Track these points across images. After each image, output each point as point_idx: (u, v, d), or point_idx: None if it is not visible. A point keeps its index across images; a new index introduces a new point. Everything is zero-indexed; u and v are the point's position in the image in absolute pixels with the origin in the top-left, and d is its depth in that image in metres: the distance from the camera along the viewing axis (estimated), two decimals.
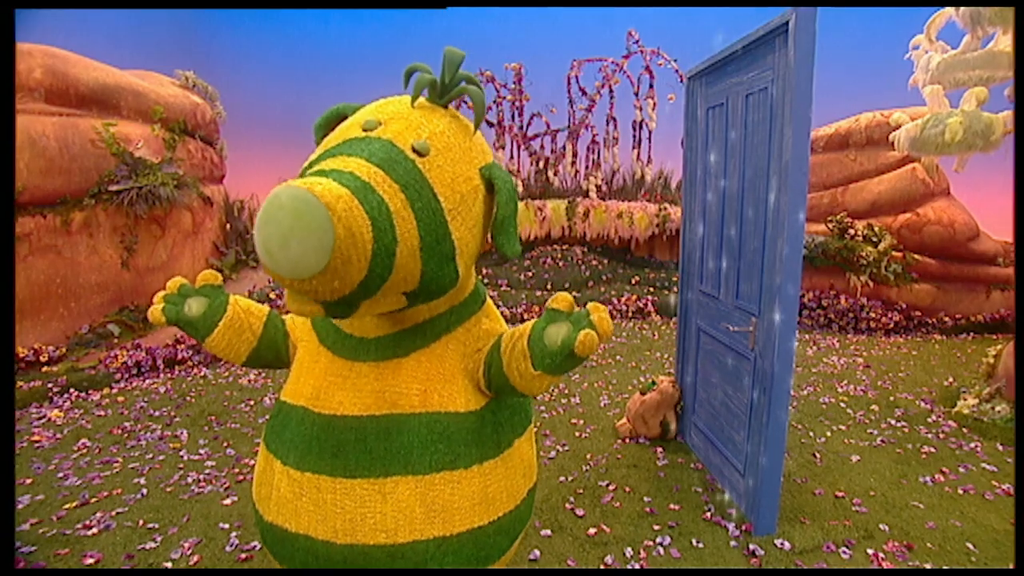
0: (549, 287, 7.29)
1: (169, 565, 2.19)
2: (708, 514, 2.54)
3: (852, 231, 6.48)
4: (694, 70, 3.02)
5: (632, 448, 3.23)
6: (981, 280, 6.41)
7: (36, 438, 3.37)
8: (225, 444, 3.32)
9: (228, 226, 6.35)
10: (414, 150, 1.15)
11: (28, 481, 2.85)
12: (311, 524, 1.26)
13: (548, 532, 2.39)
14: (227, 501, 2.66)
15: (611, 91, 7.96)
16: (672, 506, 2.61)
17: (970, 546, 2.30)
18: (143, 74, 5.88)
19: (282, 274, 0.96)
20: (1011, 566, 2.17)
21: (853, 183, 6.76)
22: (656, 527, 2.44)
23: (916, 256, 6.30)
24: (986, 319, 6.34)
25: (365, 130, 1.18)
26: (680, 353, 3.37)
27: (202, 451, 3.23)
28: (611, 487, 2.79)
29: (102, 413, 3.82)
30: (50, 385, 4.12)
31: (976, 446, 3.26)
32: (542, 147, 8.16)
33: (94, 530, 2.41)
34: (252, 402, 4.04)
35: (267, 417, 3.55)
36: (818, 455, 3.14)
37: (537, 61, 8.12)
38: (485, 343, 1.41)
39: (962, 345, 5.78)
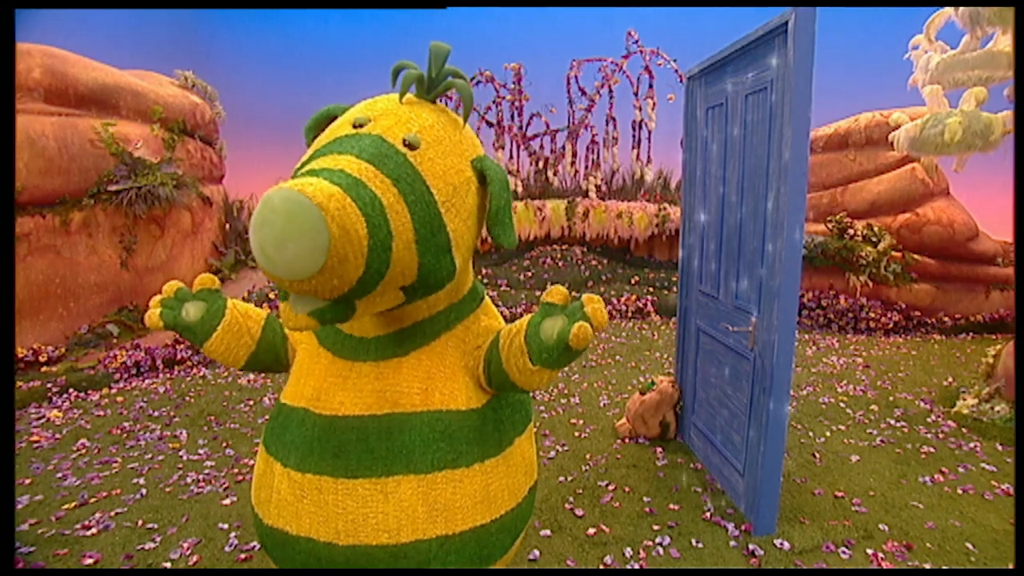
0: (549, 287, 7.28)
1: (168, 565, 2.19)
2: (708, 514, 2.54)
3: (851, 231, 6.48)
4: (694, 70, 3.02)
5: (632, 448, 3.23)
6: (980, 280, 6.41)
7: (35, 438, 3.37)
8: (224, 444, 3.32)
9: (227, 226, 6.35)
10: (405, 143, 1.16)
11: (27, 481, 2.85)
12: (313, 526, 1.26)
13: (548, 532, 2.39)
14: (226, 501, 2.66)
15: (611, 91, 7.97)
16: (672, 506, 2.61)
17: (969, 546, 2.30)
18: (142, 74, 5.87)
19: (280, 276, 0.96)
20: (1011, 566, 2.17)
21: (852, 183, 6.76)
22: (656, 527, 2.44)
23: (915, 256, 6.30)
24: (985, 319, 6.34)
25: (355, 127, 1.18)
26: (679, 353, 3.37)
27: (201, 451, 3.22)
28: (611, 487, 2.78)
29: (101, 413, 3.81)
30: (49, 385, 4.11)
31: (975, 446, 3.26)
32: (541, 147, 8.16)
33: (93, 530, 2.41)
34: (251, 402, 4.03)
35: (266, 417, 3.55)
36: (817, 455, 3.14)
37: (537, 61, 8.13)
38: (484, 340, 1.41)
39: (961, 345, 5.78)
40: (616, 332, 6.21)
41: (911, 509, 2.58)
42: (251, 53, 10.44)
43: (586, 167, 8.15)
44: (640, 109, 8.10)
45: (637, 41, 7.96)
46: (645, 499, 2.67)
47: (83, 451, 3.22)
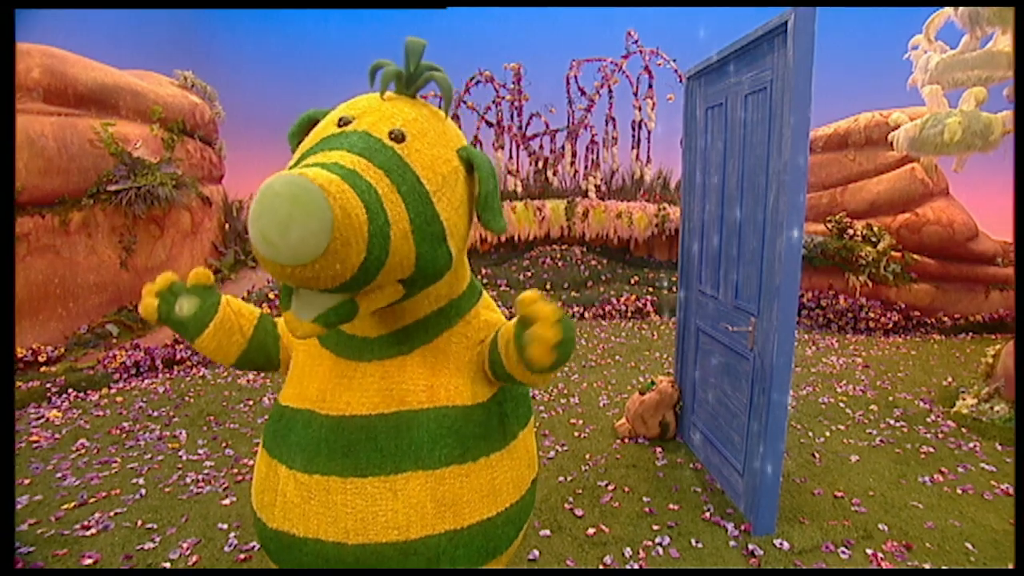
0: (548, 287, 7.29)
1: (168, 565, 2.19)
2: (707, 514, 2.54)
3: (851, 231, 6.48)
4: (693, 70, 3.02)
5: (631, 448, 3.23)
6: (980, 280, 6.41)
7: (34, 438, 3.37)
8: (224, 444, 3.32)
9: (227, 226, 6.34)
10: (391, 137, 1.17)
11: (26, 481, 2.84)
12: (321, 527, 1.26)
13: (547, 532, 2.39)
14: (226, 501, 2.65)
15: (610, 91, 7.97)
16: (671, 506, 2.61)
17: (969, 546, 2.30)
18: (142, 74, 5.87)
19: (283, 262, 0.96)
20: (1010, 566, 2.17)
21: (852, 183, 6.76)
22: (655, 527, 2.44)
23: (915, 256, 6.30)
24: (985, 319, 6.34)
25: (340, 126, 1.20)
26: (679, 353, 3.37)
27: (201, 451, 3.22)
28: (610, 487, 2.78)
29: (101, 413, 3.81)
30: (48, 385, 4.11)
31: (975, 446, 3.26)
32: (541, 147, 8.16)
33: (92, 530, 2.41)
34: (251, 402, 4.03)
35: (266, 417, 3.55)
36: (817, 455, 3.14)
37: (536, 61, 8.13)
38: (487, 334, 1.42)
39: (961, 345, 5.78)
40: (616, 332, 6.21)
41: (911, 509, 2.58)
42: (251, 53, 10.44)
43: (586, 167, 8.15)
44: (640, 109, 8.10)
45: (637, 41, 7.96)
46: (645, 499, 2.67)
47: (82, 451, 3.22)
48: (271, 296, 5.80)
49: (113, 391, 4.28)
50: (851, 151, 6.81)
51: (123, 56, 5.87)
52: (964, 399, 3.80)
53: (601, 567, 2.18)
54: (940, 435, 3.43)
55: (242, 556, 2.24)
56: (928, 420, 3.67)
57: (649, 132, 8.14)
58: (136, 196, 4.89)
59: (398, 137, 1.18)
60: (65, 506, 2.60)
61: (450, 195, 1.22)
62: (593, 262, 7.59)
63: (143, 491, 2.75)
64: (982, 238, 6.44)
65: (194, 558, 2.23)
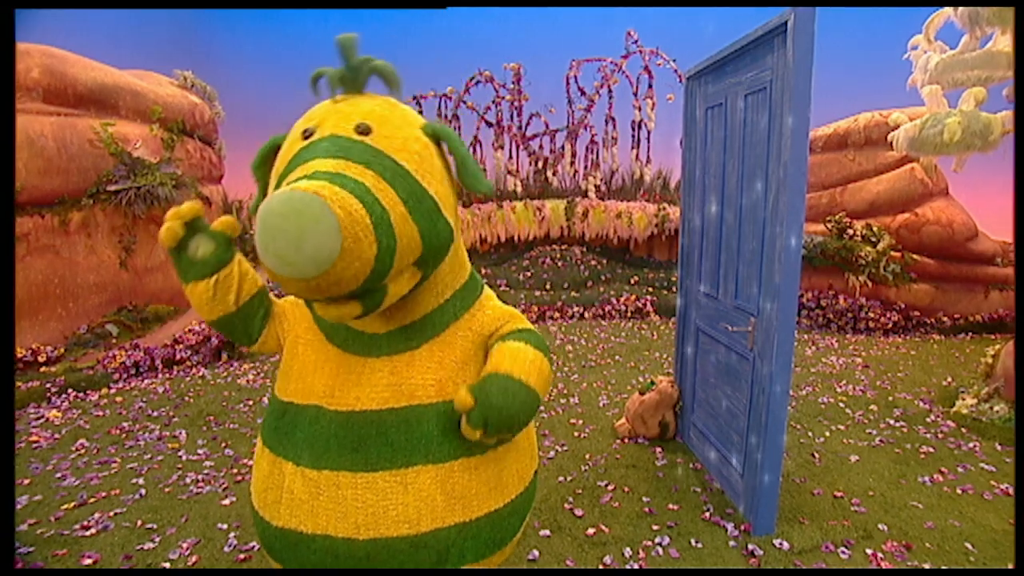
0: (548, 287, 7.29)
1: (167, 565, 2.19)
2: (707, 514, 2.54)
3: (851, 231, 6.49)
4: (693, 70, 3.02)
5: (631, 448, 3.23)
6: (980, 280, 6.41)
7: (34, 438, 3.37)
8: (223, 444, 3.32)
9: None
10: (358, 132, 1.20)
11: (26, 482, 2.84)
12: (330, 523, 1.26)
13: (547, 532, 2.39)
14: (226, 501, 2.65)
15: (610, 91, 7.97)
16: (671, 506, 2.61)
17: (969, 546, 2.30)
18: (141, 74, 5.87)
19: (307, 275, 0.99)
20: (1010, 566, 2.17)
21: (852, 183, 6.76)
22: (655, 527, 2.44)
23: (915, 256, 6.31)
24: (984, 319, 6.34)
25: (305, 139, 1.21)
26: (679, 353, 3.37)
27: (200, 451, 3.22)
28: (610, 487, 2.78)
29: (100, 413, 3.81)
30: (48, 385, 4.11)
31: (975, 446, 3.26)
32: (541, 147, 8.17)
33: (92, 530, 2.41)
34: (251, 402, 4.03)
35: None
36: (817, 455, 3.14)
37: (536, 61, 8.14)
38: (492, 328, 1.45)
39: (960, 345, 5.78)
40: (616, 332, 6.21)
41: (910, 509, 2.58)
42: (251, 53, 10.45)
43: (585, 167, 8.15)
44: (639, 109, 8.10)
45: (636, 41, 7.96)
46: (644, 499, 2.67)
47: (82, 451, 3.22)
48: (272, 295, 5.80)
49: (113, 391, 4.28)
50: (851, 151, 6.81)
51: (123, 56, 5.88)
52: (964, 399, 3.80)
53: (601, 567, 2.18)
54: (940, 435, 3.43)
55: (242, 556, 2.24)
56: (928, 420, 3.67)
57: (649, 132, 8.15)
58: (136, 196, 4.89)
59: (364, 130, 1.20)
60: (65, 506, 2.60)
61: (430, 169, 1.25)
62: (593, 262, 7.59)
63: (143, 491, 2.75)
64: (982, 238, 6.44)
65: (194, 558, 2.23)
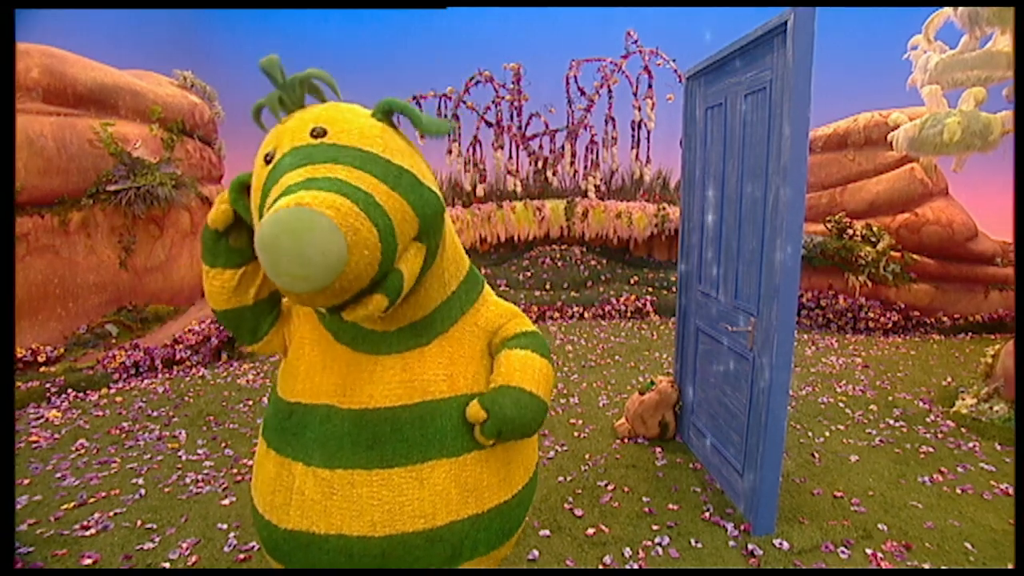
0: (548, 287, 7.29)
1: (167, 565, 2.19)
2: (707, 514, 2.54)
3: (851, 231, 6.49)
4: (693, 70, 3.02)
5: (631, 448, 3.23)
6: (979, 280, 6.41)
7: (34, 438, 3.37)
8: (223, 444, 3.32)
9: None
10: (315, 136, 1.20)
11: (26, 482, 2.84)
12: (345, 522, 1.26)
13: (547, 532, 2.39)
14: (225, 501, 2.65)
15: (610, 91, 7.96)
16: (671, 506, 2.61)
17: (968, 546, 2.30)
18: (141, 74, 5.87)
19: (325, 282, 1.01)
20: (1010, 566, 2.17)
21: (852, 183, 6.76)
22: (655, 527, 2.44)
23: (915, 256, 6.31)
24: (984, 319, 6.34)
25: (267, 163, 1.22)
26: (679, 353, 3.37)
27: (200, 451, 3.22)
28: (610, 487, 2.78)
29: (100, 413, 3.81)
30: (48, 385, 4.11)
31: (974, 446, 3.26)
32: (541, 147, 8.16)
33: (92, 530, 2.41)
34: (250, 402, 4.03)
35: None
36: (817, 455, 3.14)
37: (536, 61, 8.13)
38: (496, 324, 1.50)
39: (960, 345, 5.78)
40: (615, 332, 6.21)
41: (910, 509, 2.58)
42: (251, 53, 10.39)
43: (585, 167, 8.14)
44: (639, 109, 8.10)
45: (636, 41, 7.96)
46: (644, 499, 2.67)
47: (82, 451, 3.22)
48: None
49: (112, 391, 4.28)
50: (850, 151, 6.81)
51: (123, 56, 5.87)
52: (963, 399, 3.80)
53: (601, 567, 2.18)
54: (939, 435, 3.43)
55: (242, 556, 2.24)
56: (928, 420, 3.67)
57: (649, 132, 8.14)
58: (135, 196, 4.89)
59: (320, 133, 1.21)
60: (65, 506, 2.60)
61: (396, 147, 1.26)
62: (593, 262, 7.59)
63: (143, 491, 2.75)
64: (981, 238, 6.44)
65: (194, 558, 2.23)
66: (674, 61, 7.90)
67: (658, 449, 3.20)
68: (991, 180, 6.41)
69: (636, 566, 2.18)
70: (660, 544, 2.31)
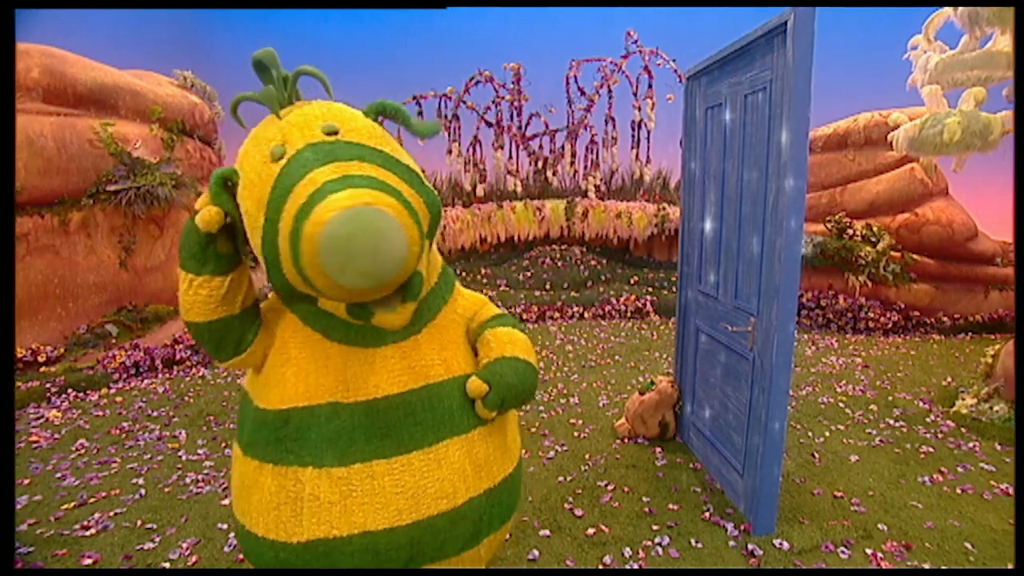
0: (548, 287, 7.29)
1: (167, 565, 2.19)
2: (707, 514, 2.54)
3: (851, 231, 6.49)
4: (693, 70, 3.02)
5: (631, 448, 3.23)
6: (979, 280, 6.41)
7: (34, 438, 3.37)
8: (223, 444, 3.32)
9: None
10: (329, 134, 1.21)
11: (26, 482, 2.84)
12: (368, 517, 1.24)
13: (547, 532, 2.39)
14: (225, 501, 2.65)
15: (610, 91, 7.96)
16: (671, 506, 2.61)
17: (968, 546, 2.30)
18: (141, 74, 5.87)
19: (389, 277, 1.06)
20: (1010, 566, 2.17)
21: (852, 183, 6.76)
22: (655, 527, 2.44)
23: (915, 256, 6.30)
24: (984, 319, 6.34)
25: (276, 162, 1.19)
26: (679, 353, 3.37)
27: (200, 451, 3.22)
28: (610, 487, 2.78)
29: (100, 413, 3.81)
30: (48, 385, 4.11)
31: (974, 446, 3.26)
32: (541, 147, 8.16)
33: (92, 530, 2.41)
34: None
35: None
36: (817, 455, 3.14)
37: (536, 61, 8.13)
38: (472, 311, 1.57)
39: (960, 345, 5.78)
40: (615, 332, 6.21)
41: (910, 509, 2.58)
42: (250, 53, 10.42)
43: (585, 167, 8.14)
44: (639, 109, 8.09)
45: (636, 41, 7.95)
46: (644, 499, 2.67)
47: (82, 451, 3.22)
48: (268, 295, 5.80)
49: (113, 391, 4.28)
50: (850, 151, 6.81)
51: (123, 56, 5.87)
52: (963, 399, 3.80)
53: (601, 567, 2.18)
54: (939, 435, 3.43)
55: (241, 556, 2.24)
56: (928, 420, 3.67)
57: (649, 132, 8.14)
58: (135, 196, 4.88)
59: (332, 131, 1.22)
60: (65, 506, 2.60)
61: (396, 146, 1.31)
62: (593, 262, 7.59)
63: (143, 491, 2.75)
64: (981, 238, 6.44)
65: (194, 558, 2.23)
66: (674, 61, 7.90)
67: (658, 449, 3.20)
68: (991, 180, 6.41)
69: (636, 566, 2.18)
70: (660, 544, 2.31)
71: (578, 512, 2.54)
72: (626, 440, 3.34)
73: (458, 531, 1.33)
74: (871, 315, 6.24)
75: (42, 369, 4.33)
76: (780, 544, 2.30)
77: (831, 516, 2.52)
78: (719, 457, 2.80)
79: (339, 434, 1.27)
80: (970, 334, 6.23)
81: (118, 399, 4.10)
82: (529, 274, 7.38)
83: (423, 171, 1.42)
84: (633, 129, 8.18)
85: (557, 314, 6.89)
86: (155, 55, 7.45)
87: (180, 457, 3.15)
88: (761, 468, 2.33)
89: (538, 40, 11.07)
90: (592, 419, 3.68)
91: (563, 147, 8.11)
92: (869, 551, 2.26)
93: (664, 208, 7.51)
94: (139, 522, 2.48)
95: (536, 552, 2.25)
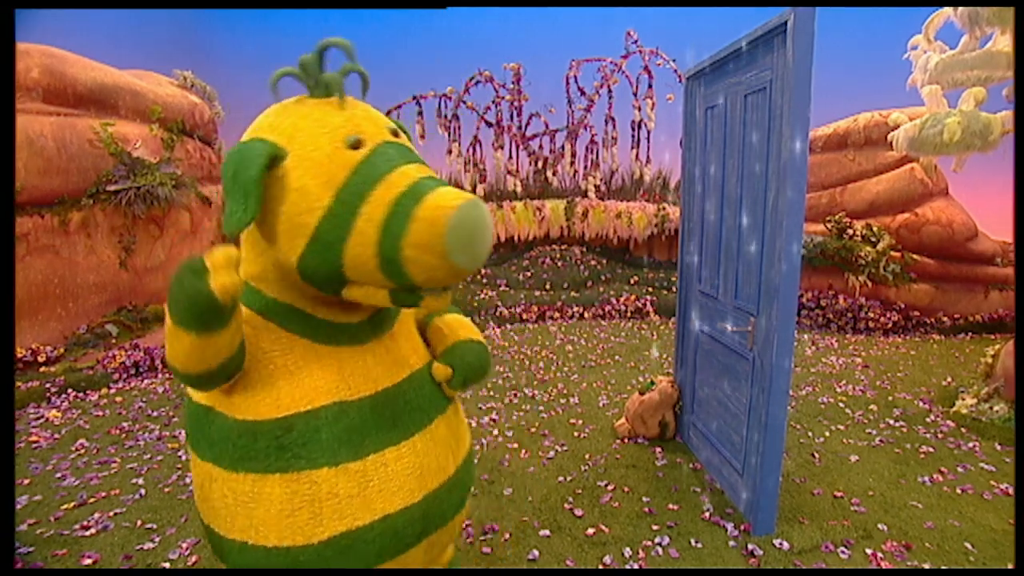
0: (548, 287, 7.29)
1: (167, 565, 2.19)
2: (707, 514, 2.54)
3: (851, 231, 6.49)
4: (693, 70, 3.02)
5: (631, 448, 3.23)
6: (979, 280, 6.41)
7: (34, 438, 3.37)
8: None
9: None
10: (394, 136, 1.33)
11: (26, 482, 2.84)
12: (386, 502, 1.31)
13: (547, 532, 2.39)
14: None
15: (610, 91, 7.96)
16: (671, 506, 2.61)
17: (968, 546, 2.30)
18: (141, 74, 5.87)
19: (487, 258, 1.23)
20: (1010, 566, 2.17)
21: (852, 183, 6.76)
22: (655, 527, 2.44)
23: (915, 256, 6.31)
24: (984, 319, 6.34)
25: (353, 148, 1.24)
26: (679, 353, 3.37)
27: None
28: (610, 487, 2.78)
29: (100, 413, 3.81)
30: (48, 385, 4.11)
31: (974, 446, 3.26)
32: (541, 147, 8.16)
33: (92, 530, 2.41)
34: None
35: None
36: (817, 455, 3.14)
37: (536, 61, 8.14)
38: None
39: (960, 345, 5.78)
40: (615, 332, 6.21)
41: (910, 509, 2.59)
42: (251, 53, 10.44)
43: (585, 167, 8.14)
44: (639, 109, 8.09)
45: (636, 41, 7.95)
46: (644, 499, 2.67)
47: (82, 451, 3.22)
48: None
49: (112, 391, 4.28)
50: (850, 151, 6.81)
51: (123, 56, 5.87)
52: (963, 399, 3.80)
53: (601, 567, 2.18)
54: (939, 435, 3.43)
55: None
56: (928, 420, 3.67)
57: (649, 132, 8.14)
58: (135, 196, 4.89)
59: (396, 134, 1.35)
60: (65, 506, 2.60)
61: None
62: (593, 262, 7.59)
63: (143, 491, 2.75)
64: (981, 238, 6.44)
65: (194, 558, 2.23)
66: (674, 61, 7.91)
67: (658, 449, 3.20)
68: (991, 180, 6.41)
69: (636, 566, 2.18)
70: (660, 544, 2.31)
71: (578, 512, 2.54)
72: (626, 440, 3.34)
73: (453, 498, 1.47)
74: (871, 315, 6.24)
75: (42, 369, 4.33)
76: (780, 544, 2.30)
77: (831, 516, 2.52)
78: (719, 457, 2.80)
79: (350, 431, 1.31)
80: (970, 334, 6.24)
81: (118, 399, 4.10)
82: (529, 274, 7.38)
83: None
84: (633, 129, 8.18)
85: (557, 314, 6.89)
86: (155, 55, 7.46)
87: (180, 457, 3.15)
88: (761, 468, 2.33)
89: (538, 40, 11.09)
90: (592, 419, 3.68)
91: (563, 147, 8.11)
92: (869, 551, 2.26)
93: (664, 208, 7.51)
94: (139, 522, 2.48)
95: (536, 552, 2.25)
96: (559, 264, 7.49)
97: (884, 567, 2.17)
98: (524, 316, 6.73)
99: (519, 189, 7.92)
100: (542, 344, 5.67)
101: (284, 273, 1.30)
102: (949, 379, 4.53)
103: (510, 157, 8.12)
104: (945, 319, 6.34)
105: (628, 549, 2.28)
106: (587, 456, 3.13)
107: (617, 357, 5.21)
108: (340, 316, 1.38)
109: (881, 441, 3.34)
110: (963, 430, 3.50)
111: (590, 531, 2.40)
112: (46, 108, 4.66)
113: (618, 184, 8.21)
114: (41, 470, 2.97)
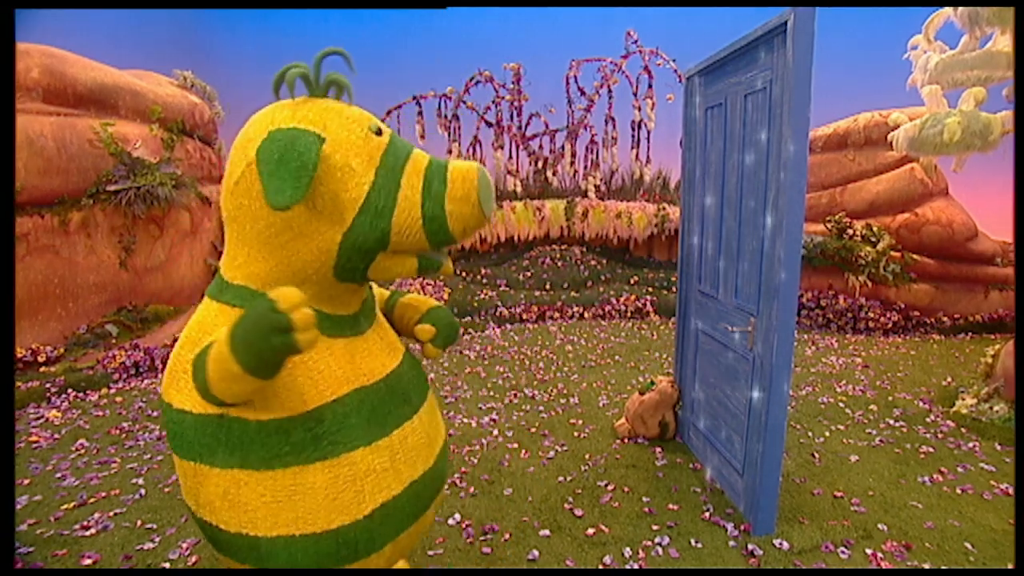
0: (548, 287, 7.29)
1: (167, 565, 2.19)
2: (707, 514, 2.54)
3: (851, 231, 6.49)
4: (693, 70, 3.02)
5: (631, 448, 3.23)
6: (979, 280, 6.41)
7: (34, 439, 3.37)
8: None
9: None
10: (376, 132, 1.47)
11: (26, 482, 2.84)
12: (411, 469, 1.46)
13: (547, 532, 2.39)
14: None
15: (610, 91, 7.97)
16: (671, 506, 2.61)
17: (968, 546, 2.30)
18: (141, 74, 5.87)
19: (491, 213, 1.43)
20: (1010, 566, 2.17)
21: (852, 183, 6.76)
22: (655, 527, 2.44)
23: (915, 256, 6.31)
24: (984, 319, 6.34)
25: (377, 134, 1.40)
26: (679, 353, 3.37)
27: None
28: (610, 487, 2.78)
29: (100, 413, 3.81)
30: (48, 385, 4.11)
31: (974, 446, 3.26)
32: (541, 147, 8.17)
33: (92, 531, 2.41)
34: None
35: None
36: (817, 455, 3.14)
37: (536, 61, 8.14)
38: (381, 293, 1.83)
39: (960, 345, 5.78)
40: (615, 332, 6.21)
41: (910, 509, 2.59)
42: (251, 53, 10.43)
43: (585, 167, 8.15)
44: (639, 109, 8.10)
45: (636, 41, 7.96)
46: (644, 499, 2.67)
47: (82, 451, 3.22)
48: None
49: (112, 391, 4.28)
50: (850, 151, 6.81)
51: (123, 56, 5.88)
52: (963, 399, 3.80)
53: (601, 567, 2.18)
54: (939, 435, 3.43)
55: None
56: (928, 420, 3.67)
57: (649, 132, 8.14)
58: (135, 196, 4.89)
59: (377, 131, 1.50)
60: (65, 506, 2.60)
61: None
62: (593, 262, 7.59)
63: (143, 491, 2.75)
64: (981, 238, 6.44)
65: (194, 558, 2.23)
66: (674, 61, 7.91)
67: (658, 449, 3.20)
68: (991, 180, 6.41)
69: (636, 566, 2.18)
70: (660, 544, 2.31)
71: (578, 512, 2.54)
72: (626, 440, 3.34)
73: (445, 460, 1.66)
74: (871, 315, 6.24)
75: (42, 369, 4.33)
76: (780, 544, 2.30)
77: (831, 516, 2.52)
78: (719, 457, 2.80)
79: (375, 413, 1.44)
80: (970, 334, 6.24)
81: (118, 399, 4.10)
82: (529, 274, 7.38)
83: None
84: (633, 129, 8.18)
85: (557, 314, 6.89)
86: (155, 55, 7.46)
87: None
88: (761, 468, 2.33)
89: (538, 40, 11.08)
90: (592, 419, 3.68)
91: (563, 147, 8.11)
92: (869, 551, 2.26)
93: (664, 208, 7.51)
94: (139, 522, 2.48)
95: (536, 552, 2.26)
96: (559, 264, 7.50)
97: (884, 567, 2.17)
98: (524, 316, 6.73)
99: (519, 189, 7.92)
100: (542, 344, 5.67)
101: (295, 270, 1.36)
102: (949, 379, 4.54)
103: (510, 157, 8.12)
104: (945, 319, 6.34)
105: (628, 549, 2.28)
106: (587, 456, 3.13)
107: (617, 357, 5.20)
108: (340, 309, 1.47)
109: (881, 441, 3.34)
110: (963, 430, 3.50)
111: (590, 531, 2.40)
112: (46, 108, 4.66)
113: (618, 184, 8.22)
114: (41, 470, 2.97)
